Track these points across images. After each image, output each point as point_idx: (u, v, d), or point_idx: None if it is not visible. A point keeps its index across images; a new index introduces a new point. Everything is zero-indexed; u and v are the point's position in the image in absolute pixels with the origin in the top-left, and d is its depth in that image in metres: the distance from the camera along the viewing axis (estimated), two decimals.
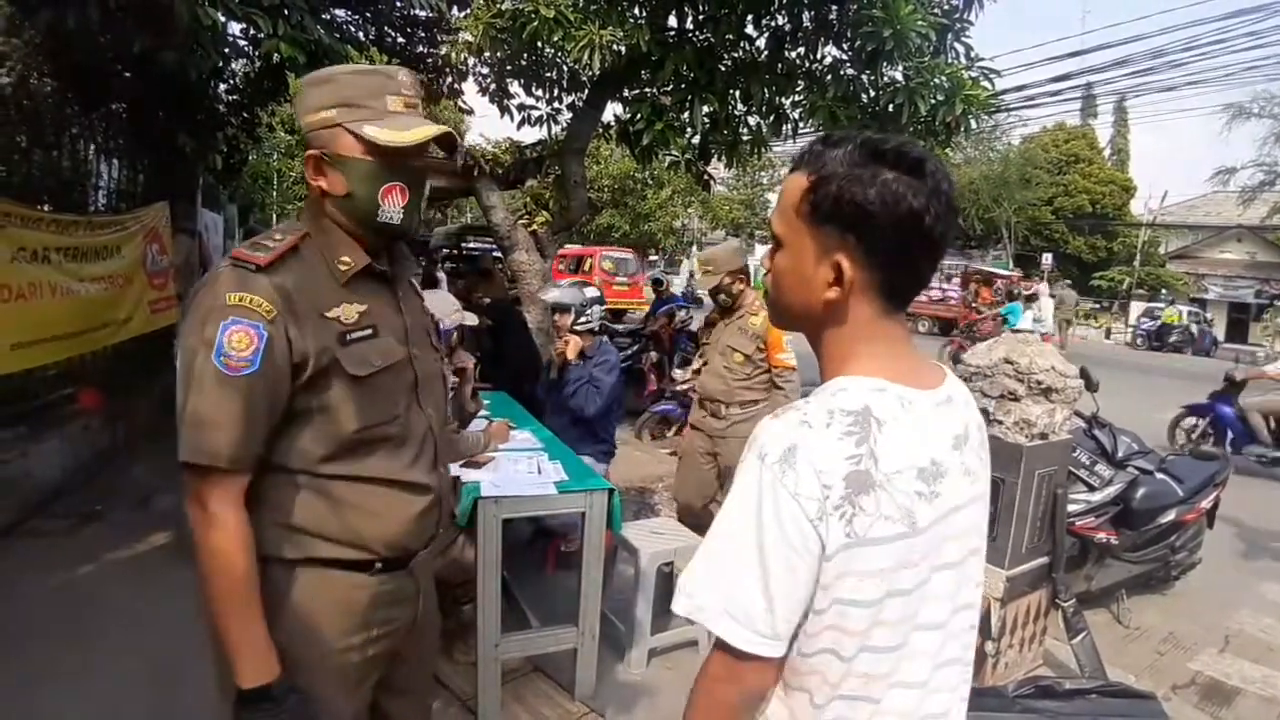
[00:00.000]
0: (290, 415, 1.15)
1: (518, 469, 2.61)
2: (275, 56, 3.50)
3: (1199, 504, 3.68)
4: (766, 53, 4.86)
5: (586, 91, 5.26)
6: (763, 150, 5.38)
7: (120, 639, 2.71)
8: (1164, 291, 23.45)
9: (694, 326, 7.25)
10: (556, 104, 5.56)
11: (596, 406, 3.50)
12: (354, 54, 4.98)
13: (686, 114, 4.61)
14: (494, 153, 5.58)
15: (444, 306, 3.02)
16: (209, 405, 1.07)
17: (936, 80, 4.38)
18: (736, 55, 4.89)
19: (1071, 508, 3.03)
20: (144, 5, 3.31)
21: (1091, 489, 3.40)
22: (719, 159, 5.33)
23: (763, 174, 25.66)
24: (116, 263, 4.59)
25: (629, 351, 7.11)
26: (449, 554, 2.49)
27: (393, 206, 1.21)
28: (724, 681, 0.81)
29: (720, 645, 0.80)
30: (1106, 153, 29.71)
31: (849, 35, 4.35)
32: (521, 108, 5.54)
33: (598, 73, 4.55)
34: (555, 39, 3.95)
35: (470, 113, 6.90)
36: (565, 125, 5.50)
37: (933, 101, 4.37)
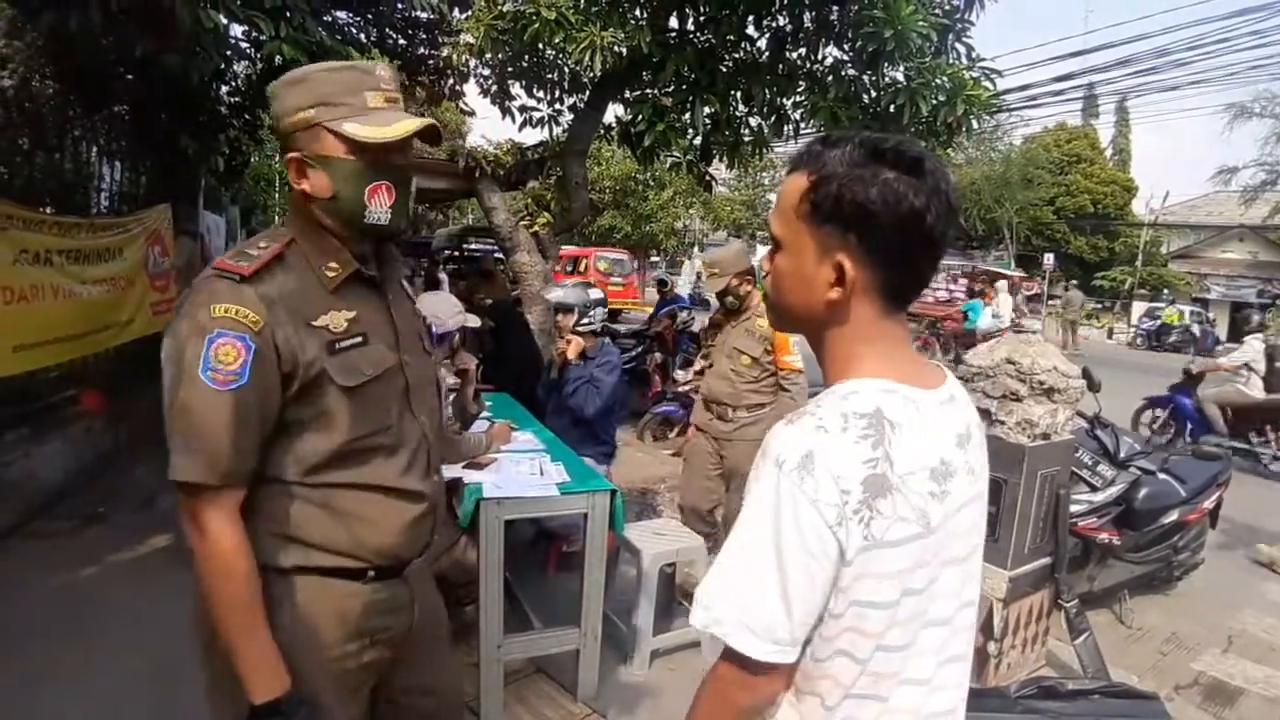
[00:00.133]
0: (282, 426, 1.13)
1: (520, 470, 2.60)
2: (277, 59, 3.50)
3: (1201, 504, 3.68)
4: (767, 54, 4.86)
5: (588, 93, 5.26)
6: (764, 151, 5.38)
7: (121, 639, 2.72)
8: (1166, 291, 23.41)
9: (695, 327, 7.25)
10: (558, 105, 5.57)
11: (596, 406, 3.49)
12: (355, 56, 4.97)
13: (688, 115, 4.61)
14: (495, 154, 5.56)
15: (446, 308, 3.03)
16: (197, 421, 1.04)
17: (938, 81, 4.38)
18: (737, 56, 4.88)
19: (1074, 508, 3.02)
20: (146, 8, 3.32)
21: (1094, 489, 3.39)
22: (720, 160, 5.34)
23: (764, 175, 25.65)
24: (118, 265, 4.60)
25: (633, 353, 7.11)
26: (452, 554, 2.49)
27: (380, 206, 1.17)
28: (736, 687, 0.81)
29: (733, 653, 0.79)
30: (1108, 153, 29.66)
31: (850, 36, 4.34)
32: (523, 109, 5.54)
33: (599, 74, 4.55)
34: (556, 40, 3.96)
35: (472, 114, 6.89)
36: (566, 126, 5.50)
37: (934, 102, 4.37)
